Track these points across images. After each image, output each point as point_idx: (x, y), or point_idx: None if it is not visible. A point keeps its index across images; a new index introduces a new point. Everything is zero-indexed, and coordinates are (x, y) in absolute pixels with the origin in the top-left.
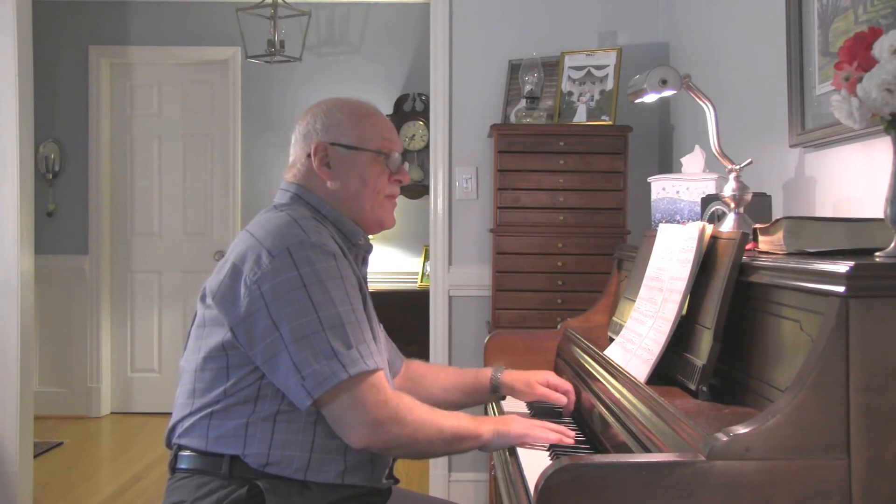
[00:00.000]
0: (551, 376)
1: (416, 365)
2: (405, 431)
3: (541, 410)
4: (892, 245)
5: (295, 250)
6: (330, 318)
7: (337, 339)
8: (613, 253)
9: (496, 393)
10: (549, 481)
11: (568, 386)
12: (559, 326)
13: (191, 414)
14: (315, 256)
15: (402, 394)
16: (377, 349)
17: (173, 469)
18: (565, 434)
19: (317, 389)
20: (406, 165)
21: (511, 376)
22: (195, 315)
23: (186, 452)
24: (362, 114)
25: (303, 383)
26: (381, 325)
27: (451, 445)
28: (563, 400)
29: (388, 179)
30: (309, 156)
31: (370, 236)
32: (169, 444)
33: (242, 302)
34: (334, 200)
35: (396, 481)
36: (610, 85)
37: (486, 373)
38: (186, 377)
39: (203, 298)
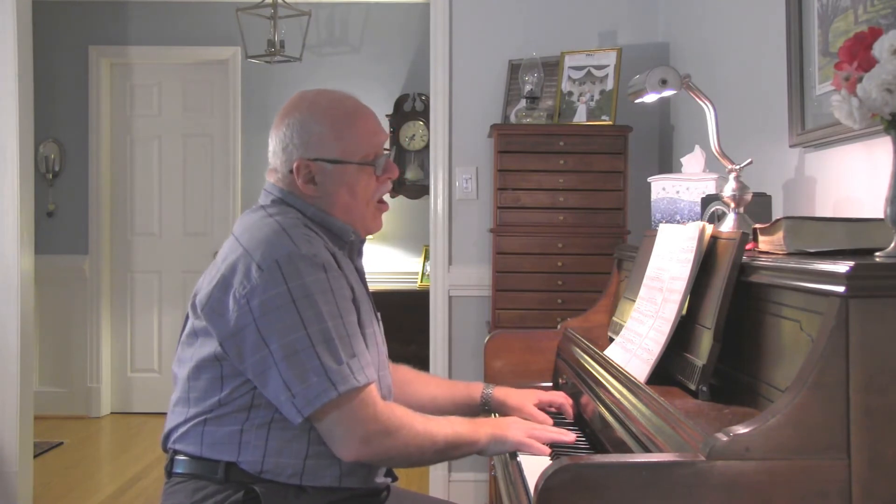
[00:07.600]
0: (542, 395)
1: (404, 370)
2: (396, 443)
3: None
4: (892, 245)
5: (284, 263)
6: (319, 334)
7: (327, 355)
8: (613, 253)
9: (486, 407)
10: (549, 481)
11: (559, 400)
12: (559, 326)
13: (185, 421)
14: (305, 269)
15: (393, 405)
16: (375, 352)
17: (170, 473)
18: (563, 434)
19: (307, 408)
20: (392, 155)
21: (502, 393)
22: (185, 322)
23: (182, 457)
24: (341, 119)
25: (293, 401)
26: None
27: (446, 454)
28: (549, 421)
29: (377, 181)
30: (291, 171)
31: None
32: (165, 449)
33: (231, 316)
34: (322, 206)
35: (395, 479)
36: (610, 85)
37: (478, 387)
38: (180, 384)
39: (194, 308)
